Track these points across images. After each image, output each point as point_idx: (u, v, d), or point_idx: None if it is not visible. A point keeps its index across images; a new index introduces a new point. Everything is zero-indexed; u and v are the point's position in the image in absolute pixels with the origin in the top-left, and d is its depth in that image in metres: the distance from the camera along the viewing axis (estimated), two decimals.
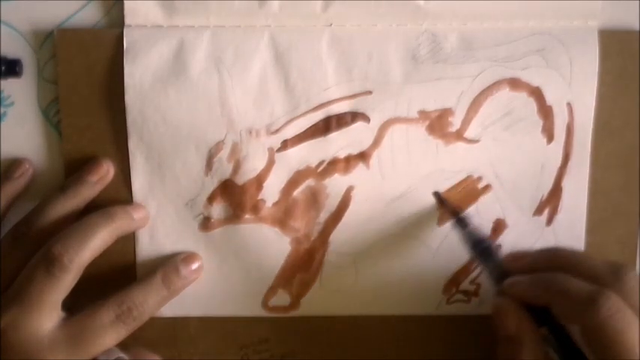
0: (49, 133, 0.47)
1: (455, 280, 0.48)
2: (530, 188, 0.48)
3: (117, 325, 0.44)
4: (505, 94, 0.46)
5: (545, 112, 0.47)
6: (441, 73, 0.46)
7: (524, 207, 0.48)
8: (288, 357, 0.49)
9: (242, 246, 0.47)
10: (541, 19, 0.46)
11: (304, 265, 0.48)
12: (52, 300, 0.42)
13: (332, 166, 0.47)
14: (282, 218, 0.47)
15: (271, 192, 0.47)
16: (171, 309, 0.47)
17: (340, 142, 0.46)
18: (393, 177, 0.47)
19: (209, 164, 0.46)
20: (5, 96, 0.46)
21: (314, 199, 0.47)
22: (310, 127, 0.46)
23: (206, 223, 0.47)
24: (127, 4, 0.45)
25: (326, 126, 0.46)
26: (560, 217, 0.48)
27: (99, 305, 0.44)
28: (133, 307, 0.44)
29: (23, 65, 0.46)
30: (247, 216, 0.47)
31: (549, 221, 0.48)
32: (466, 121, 0.47)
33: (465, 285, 0.48)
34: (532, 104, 0.47)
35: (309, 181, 0.47)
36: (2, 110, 0.46)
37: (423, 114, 0.46)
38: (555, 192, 0.48)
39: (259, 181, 0.47)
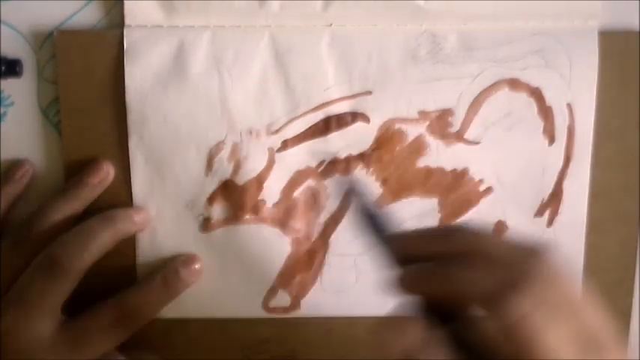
0: (49, 133, 0.47)
1: None
2: (531, 190, 0.48)
3: (116, 328, 0.44)
4: (505, 94, 0.46)
5: (545, 112, 0.47)
6: (441, 73, 0.46)
7: (525, 209, 0.48)
8: (288, 358, 0.49)
9: (242, 247, 0.47)
10: (541, 20, 0.46)
11: (305, 266, 0.48)
12: (52, 303, 0.42)
13: (332, 166, 0.47)
14: (283, 219, 0.47)
15: (271, 192, 0.47)
16: (172, 311, 0.47)
17: (340, 143, 0.47)
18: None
19: (209, 164, 0.46)
20: (5, 96, 0.46)
21: (314, 199, 0.47)
22: (310, 127, 0.46)
23: (206, 224, 0.47)
24: (127, 5, 0.45)
25: (326, 126, 0.46)
26: (560, 218, 0.48)
27: (99, 307, 0.44)
28: (132, 309, 0.44)
29: (23, 65, 0.46)
30: (247, 216, 0.47)
31: (550, 223, 0.48)
32: (466, 122, 0.47)
33: None
34: (532, 105, 0.47)
35: (310, 182, 0.47)
36: (2, 110, 0.46)
37: (423, 114, 0.46)
38: (556, 194, 0.48)
39: (259, 181, 0.47)
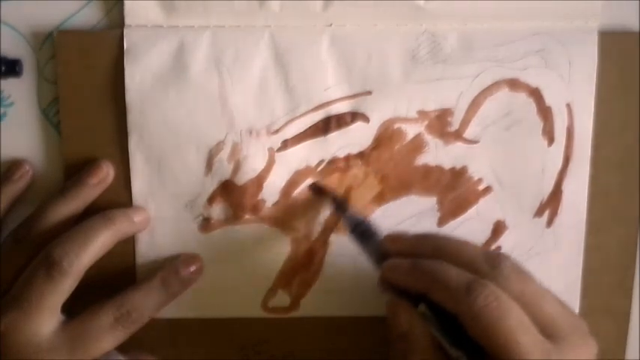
0: (49, 133, 0.47)
1: None
2: (530, 190, 0.48)
3: (116, 328, 0.43)
4: (504, 94, 0.46)
5: (545, 112, 0.47)
6: (441, 73, 0.46)
7: (524, 209, 0.48)
8: (288, 357, 0.49)
9: (242, 247, 0.47)
10: (541, 20, 0.46)
11: (304, 266, 0.48)
12: (52, 303, 0.42)
13: (332, 165, 0.47)
14: (283, 218, 0.47)
15: (271, 192, 0.47)
16: (171, 310, 0.47)
17: (340, 142, 0.47)
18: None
19: (209, 164, 0.46)
20: (5, 96, 0.46)
21: (314, 199, 0.47)
22: (310, 127, 0.46)
23: (206, 224, 0.47)
24: (127, 5, 0.45)
25: (326, 126, 0.46)
26: (560, 218, 0.48)
27: (98, 308, 0.44)
28: (132, 309, 0.44)
29: (23, 65, 0.46)
30: (247, 216, 0.47)
31: (549, 223, 0.48)
32: (465, 121, 0.47)
33: None
34: (531, 105, 0.47)
35: (309, 181, 0.47)
36: (2, 110, 0.46)
37: (423, 114, 0.46)
38: (556, 194, 0.48)
39: (259, 181, 0.47)
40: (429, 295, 0.39)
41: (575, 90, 0.46)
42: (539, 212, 0.48)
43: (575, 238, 0.48)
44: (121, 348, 0.44)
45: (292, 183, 0.47)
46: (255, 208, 0.47)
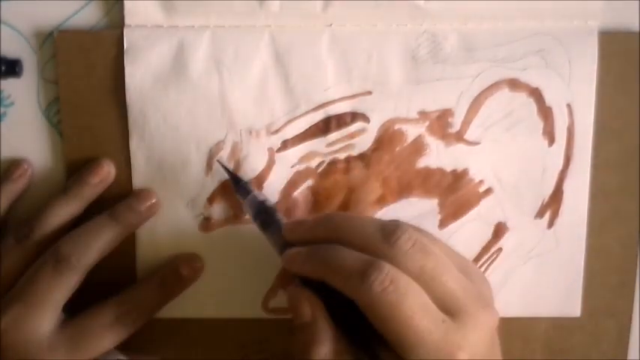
0: (49, 133, 0.47)
1: None
2: (531, 191, 0.48)
3: (116, 327, 0.44)
4: (504, 94, 0.46)
5: (545, 113, 0.47)
6: (441, 73, 0.46)
7: (525, 210, 0.48)
8: (287, 358, 0.49)
9: (242, 246, 0.47)
10: (541, 20, 0.46)
11: None
12: (56, 300, 0.43)
13: (332, 166, 0.47)
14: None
15: (271, 192, 0.47)
16: (171, 310, 0.47)
17: (340, 143, 0.47)
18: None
19: (209, 164, 0.46)
20: (5, 96, 0.46)
21: (314, 199, 0.47)
22: (310, 127, 0.46)
23: (206, 224, 0.47)
24: (127, 4, 0.45)
25: (326, 126, 0.46)
26: (561, 219, 0.48)
27: (99, 307, 0.44)
28: (132, 308, 0.44)
29: (23, 65, 0.46)
30: (247, 216, 0.47)
31: (550, 224, 0.48)
32: (466, 122, 0.46)
33: None
34: (532, 105, 0.47)
35: (309, 182, 0.47)
36: (2, 110, 0.46)
37: (423, 114, 0.46)
38: (556, 195, 0.47)
39: (259, 181, 0.47)
40: (327, 283, 0.38)
41: (576, 90, 0.46)
42: (540, 213, 0.48)
43: (576, 239, 0.48)
44: (122, 348, 0.45)
45: (292, 183, 0.47)
46: None
